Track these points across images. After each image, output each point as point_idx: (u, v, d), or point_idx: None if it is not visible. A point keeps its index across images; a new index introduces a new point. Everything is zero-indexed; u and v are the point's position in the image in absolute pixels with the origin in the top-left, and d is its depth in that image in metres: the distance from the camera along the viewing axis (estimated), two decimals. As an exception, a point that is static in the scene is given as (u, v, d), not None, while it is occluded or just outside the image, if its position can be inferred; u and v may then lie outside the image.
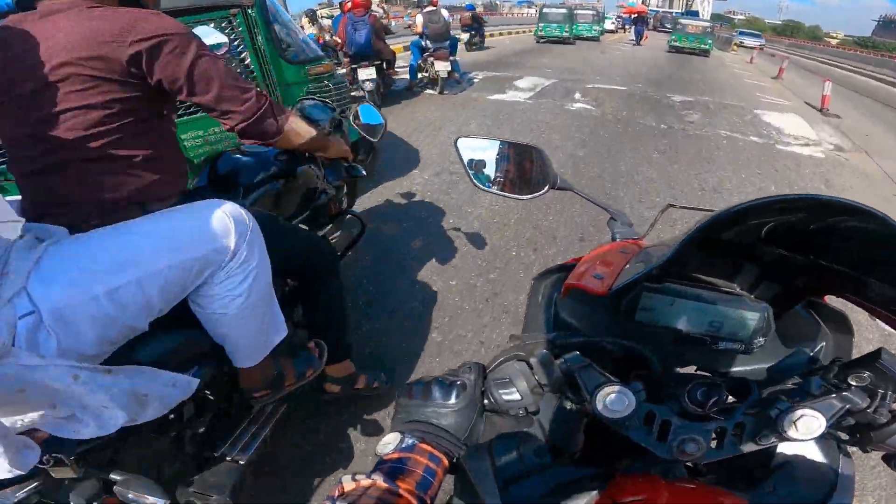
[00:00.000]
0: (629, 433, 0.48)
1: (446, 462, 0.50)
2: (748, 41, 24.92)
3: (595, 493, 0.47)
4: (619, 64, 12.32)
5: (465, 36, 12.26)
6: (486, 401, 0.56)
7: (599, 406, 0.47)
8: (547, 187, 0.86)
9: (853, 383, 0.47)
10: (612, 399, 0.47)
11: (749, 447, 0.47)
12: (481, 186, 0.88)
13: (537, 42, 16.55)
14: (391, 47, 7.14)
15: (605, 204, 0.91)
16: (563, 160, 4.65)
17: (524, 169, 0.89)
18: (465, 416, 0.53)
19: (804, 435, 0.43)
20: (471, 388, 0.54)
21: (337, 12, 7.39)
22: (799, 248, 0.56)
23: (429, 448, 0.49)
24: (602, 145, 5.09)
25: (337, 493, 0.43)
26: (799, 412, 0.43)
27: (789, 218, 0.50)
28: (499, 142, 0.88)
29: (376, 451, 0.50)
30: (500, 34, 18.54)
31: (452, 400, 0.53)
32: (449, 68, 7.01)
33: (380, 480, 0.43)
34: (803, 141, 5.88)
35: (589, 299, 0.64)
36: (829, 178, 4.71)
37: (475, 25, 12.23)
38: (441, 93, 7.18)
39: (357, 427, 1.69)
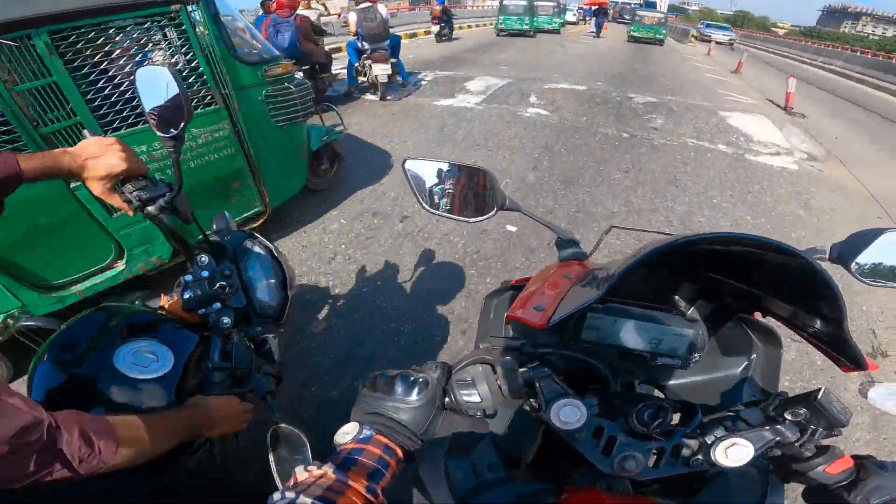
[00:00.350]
0: (577, 445, 0.52)
1: (401, 454, 0.52)
2: (718, 35, 23.87)
3: None
4: (579, 59, 11.72)
5: (435, 28, 12.87)
6: (446, 399, 0.57)
7: (553, 416, 0.50)
8: (495, 209, 0.82)
9: (788, 418, 0.51)
10: (566, 411, 0.50)
11: (682, 469, 0.51)
12: (430, 209, 0.83)
13: (498, 35, 15.83)
14: (327, 48, 6.26)
15: (553, 224, 0.90)
16: (510, 187, 3.93)
17: (473, 191, 0.84)
18: (424, 413, 0.55)
19: (733, 462, 0.48)
20: (433, 386, 0.56)
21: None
22: (728, 271, 0.61)
23: (384, 440, 0.51)
24: (557, 166, 4.40)
25: (291, 483, 0.44)
26: (732, 440, 0.48)
27: (717, 248, 0.54)
28: (447, 164, 0.83)
29: (334, 440, 0.52)
30: (460, 28, 17.67)
31: (414, 396, 0.54)
32: (389, 71, 6.17)
33: (331, 472, 0.45)
34: (773, 149, 5.40)
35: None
36: (807, 199, 4.19)
37: (444, 18, 12.63)
38: (382, 99, 6.33)
39: None
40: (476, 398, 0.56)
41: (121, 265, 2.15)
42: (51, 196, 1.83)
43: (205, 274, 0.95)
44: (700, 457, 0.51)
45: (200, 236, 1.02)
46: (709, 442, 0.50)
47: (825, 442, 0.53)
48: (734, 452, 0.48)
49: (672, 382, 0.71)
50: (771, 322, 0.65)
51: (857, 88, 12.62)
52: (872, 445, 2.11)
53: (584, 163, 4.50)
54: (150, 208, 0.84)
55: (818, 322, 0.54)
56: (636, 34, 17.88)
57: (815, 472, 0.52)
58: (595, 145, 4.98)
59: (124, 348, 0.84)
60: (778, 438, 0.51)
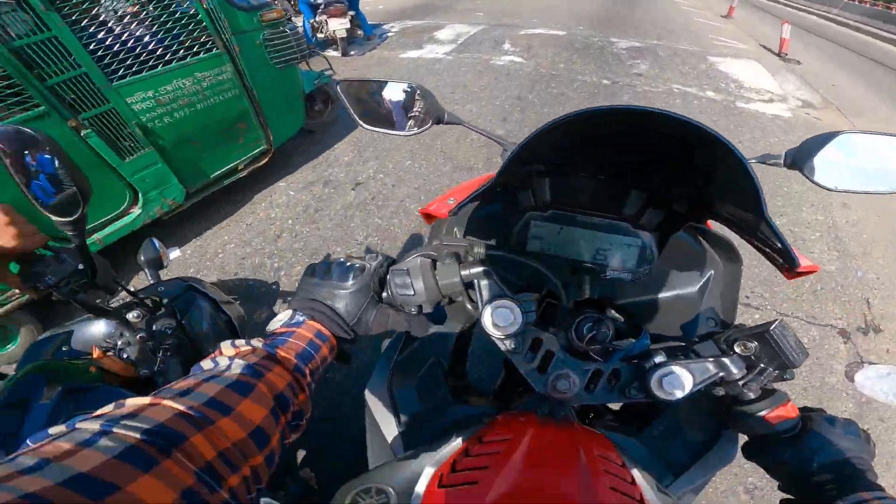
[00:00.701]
0: (512, 357, 0.48)
1: (334, 341, 0.51)
2: None
3: (471, 431, 0.49)
4: (561, 2, 10.89)
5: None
6: (384, 293, 0.54)
7: (487, 318, 0.47)
8: (430, 122, 0.79)
9: (736, 351, 0.47)
10: (500, 313, 0.46)
11: (617, 398, 0.47)
12: (366, 126, 0.80)
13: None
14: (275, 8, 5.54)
15: (497, 136, 0.84)
16: (476, 143, 3.50)
17: (408, 107, 0.81)
18: (357, 301, 0.52)
19: (668, 394, 0.44)
20: (368, 273, 0.53)
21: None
22: (674, 175, 0.57)
23: (317, 326, 0.50)
24: (529, 118, 3.94)
25: (216, 355, 0.43)
26: (670, 368, 0.44)
27: (651, 140, 0.49)
28: (381, 81, 0.81)
29: (266, 329, 0.51)
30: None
31: (349, 282, 0.52)
32: (347, 25, 5.53)
33: (259, 346, 0.44)
34: (767, 96, 4.97)
35: (481, 222, 0.68)
36: (801, 146, 3.83)
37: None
38: (344, 55, 5.69)
39: None
40: (410, 291, 0.53)
41: (137, 210, 2.19)
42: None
43: (143, 335, 0.90)
44: (636, 385, 0.46)
45: (131, 291, 0.92)
46: (646, 367, 0.45)
47: (775, 386, 0.49)
48: (670, 382, 0.44)
49: (628, 300, 0.67)
50: (726, 233, 0.62)
51: (856, 37, 12.03)
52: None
53: (558, 113, 4.04)
54: (60, 291, 0.72)
55: (751, 218, 0.48)
56: None
57: (756, 419, 0.47)
58: (573, 94, 4.50)
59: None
60: (721, 373, 0.46)
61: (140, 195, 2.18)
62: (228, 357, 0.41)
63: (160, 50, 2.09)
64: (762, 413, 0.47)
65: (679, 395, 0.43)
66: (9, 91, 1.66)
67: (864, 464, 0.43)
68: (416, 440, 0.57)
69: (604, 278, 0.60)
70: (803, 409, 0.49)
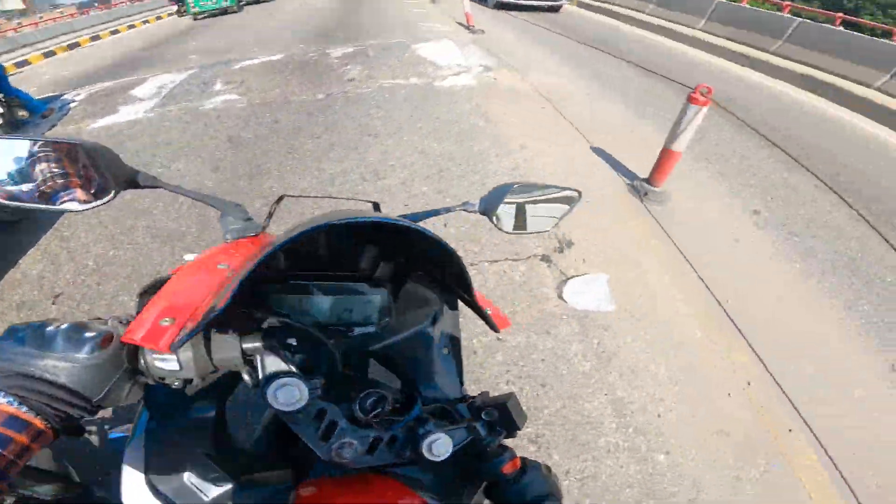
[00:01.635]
0: (296, 428, 0.49)
1: (42, 425, 0.43)
2: None
3: None
4: (288, 23, 10.79)
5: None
6: (141, 361, 0.49)
7: (271, 395, 0.46)
8: (114, 189, 0.65)
9: (483, 417, 0.57)
10: (286, 391, 0.46)
11: (395, 459, 0.53)
12: (10, 202, 0.63)
13: (195, 19, 13.48)
14: None
15: (210, 197, 0.76)
16: (186, 203, 3.24)
17: (80, 171, 0.65)
18: (101, 375, 0.46)
19: (436, 456, 0.51)
20: (117, 343, 0.48)
21: None
22: (398, 244, 0.63)
23: (11, 410, 0.42)
24: (242, 159, 3.83)
25: None
26: (436, 436, 0.51)
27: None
28: (38, 140, 0.64)
29: None
30: (117, 31, 14.49)
31: (83, 353, 0.45)
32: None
33: None
34: (456, 70, 5.82)
35: None
36: (486, 110, 4.60)
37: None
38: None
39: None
40: (175, 366, 0.47)
41: None
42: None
43: None
44: (409, 449, 0.53)
45: None
46: (420, 433, 0.52)
47: (506, 443, 0.59)
48: (437, 446, 0.51)
49: (377, 346, 0.70)
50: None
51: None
52: (588, 354, 2.24)
53: (273, 143, 4.03)
54: None
55: (462, 291, 0.62)
56: None
57: (496, 471, 0.56)
58: (287, 119, 4.53)
59: None
60: (473, 437, 0.55)
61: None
62: None
63: None
64: (500, 467, 0.57)
65: (444, 456, 0.52)
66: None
67: (552, 490, 0.57)
68: None
69: (351, 335, 0.62)
70: (521, 458, 0.60)
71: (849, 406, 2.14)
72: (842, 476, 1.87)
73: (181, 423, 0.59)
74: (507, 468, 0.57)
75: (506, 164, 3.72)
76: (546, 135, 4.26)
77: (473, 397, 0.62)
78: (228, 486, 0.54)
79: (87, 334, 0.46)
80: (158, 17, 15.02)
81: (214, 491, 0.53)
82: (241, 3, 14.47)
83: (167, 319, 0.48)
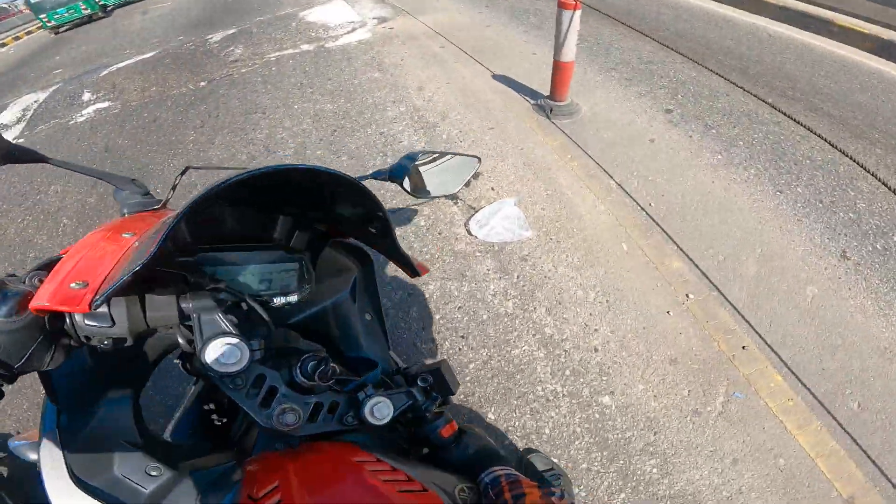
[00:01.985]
0: (234, 393, 0.48)
1: None
2: None
3: (232, 493, 0.45)
4: (165, 15, 9.75)
5: None
6: (66, 322, 0.46)
7: (209, 355, 0.45)
8: None
9: (419, 383, 0.59)
10: (226, 351, 0.45)
11: (337, 426, 0.53)
12: None
13: (56, 34, 11.96)
14: None
15: (105, 173, 0.74)
16: (69, 228, 2.89)
17: None
18: (21, 339, 0.42)
19: (377, 420, 0.53)
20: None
21: None
22: (307, 201, 0.61)
23: None
24: (124, 164, 3.45)
25: None
26: (376, 399, 0.53)
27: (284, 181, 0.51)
28: None
29: None
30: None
31: (1, 315, 0.41)
32: None
33: None
34: (349, 27, 5.43)
35: None
36: (381, 61, 4.31)
37: None
38: None
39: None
40: (106, 322, 0.44)
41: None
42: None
43: None
44: (352, 414, 0.53)
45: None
46: (360, 399, 0.53)
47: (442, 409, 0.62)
48: (378, 410, 0.53)
49: (299, 317, 0.66)
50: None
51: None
52: (509, 291, 2.04)
53: (154, 143, 3.64)
54: None
55: (380, 238, 0.61)
56: None
57: (435, 435, 0.59)
58: (166, 115, 4.10)
59: None
60: (411, 401, 0.58)
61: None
62: None
63: None
64: (438, 430, 0.59)
65: (385, 420, 0.53)
66: None
67: (492, 449, 0.60)
68: None
69: (272, 305, 0.59)
70: (458, 423, 0.62)
71: (805, 309, 1.85)
72: (815, 397, 1.58)
73: (96, 413, 0.54)
74: (446, 431, 0.59)
75: (402, 109, 3.53)
76: (446, 72, 4.06)
77: (407, 367, 0.65)
78: (168, 476, 0.51)
79: (4, 294, 0.42)
80: (17, 38, 13.25)
81: (152, 482, 0.50)
82: (109, 7, 12.96)
83: (77, 283, 0.44)
